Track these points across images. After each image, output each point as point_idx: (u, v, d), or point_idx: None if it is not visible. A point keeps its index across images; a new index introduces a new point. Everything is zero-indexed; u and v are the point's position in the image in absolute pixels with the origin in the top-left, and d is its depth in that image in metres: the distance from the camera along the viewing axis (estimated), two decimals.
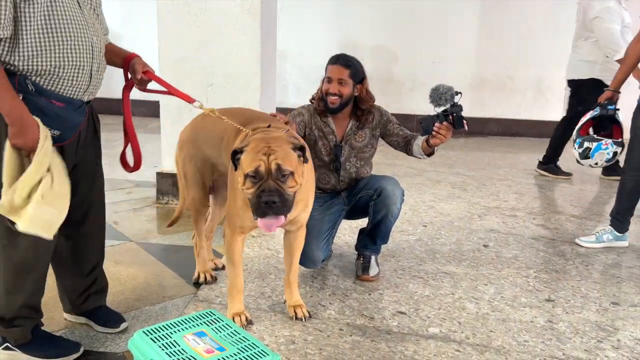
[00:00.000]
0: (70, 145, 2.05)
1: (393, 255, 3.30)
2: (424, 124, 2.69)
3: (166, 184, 4.12)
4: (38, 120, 1.82)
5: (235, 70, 3.89)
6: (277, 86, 4.53)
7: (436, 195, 4.69)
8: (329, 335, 2.35)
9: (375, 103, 2.97)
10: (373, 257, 2.99)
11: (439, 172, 5.47)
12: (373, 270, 2.93)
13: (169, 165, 4.10)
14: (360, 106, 2.91)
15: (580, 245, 3.51)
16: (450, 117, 2.58)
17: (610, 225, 3.55)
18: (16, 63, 1.81)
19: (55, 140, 1.92)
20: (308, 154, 2.22)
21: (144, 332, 1.74)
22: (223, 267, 2.94)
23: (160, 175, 4.12)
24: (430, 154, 2.83)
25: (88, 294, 2.35)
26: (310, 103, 2.99)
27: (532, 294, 2.85)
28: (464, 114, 2.60)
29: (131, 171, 2.39)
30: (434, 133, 2.63)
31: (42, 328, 2.17)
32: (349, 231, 3.61)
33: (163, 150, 4.11)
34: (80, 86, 1.99)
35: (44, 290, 2.12)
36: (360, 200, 2.91)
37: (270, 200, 1.98)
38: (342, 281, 2.91)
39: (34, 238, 1.84)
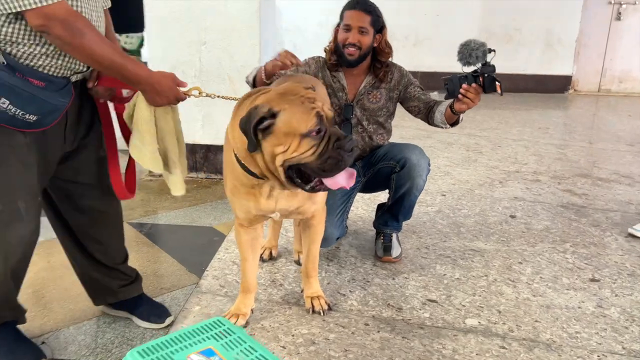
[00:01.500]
0: (55, 131, 1.67)
1: (414, 231, 2.98)
2: (449, 85, 2.31)
3: None
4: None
5: (232, 24, 3.47)
6: (275, 44, 4.11)
7: (450, 159, 4.36)
8: (354, 332, 2.05)
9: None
10: (394, 236, 2.67)
11: (450, 134, 5.13)
12: (395, 251, 2.62)
13: None
14: (379, 58, 2.54)
15: (636, 236, 2.94)
16: (480, 79, 2.22)
17: None
18: None
19: (31, 126, 1.57)
20: None
21: (138, 352, 1.42)
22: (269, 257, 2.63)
23: None
24: (454, 124, 2.46)
25: (120, 286, 2.09)
26: (321, 56, 2.61)
27: (573, 273, 2.55)
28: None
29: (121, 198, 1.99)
30: (460, 96, 2.26)
31: (18, 326, 1.88)
32: (362, 204, 3.28)
33: None
34: (69, 64, 1.60)
35: (17, 285, 1.82)
36: (380, 172, 2.56)
37: (355, 146, 1.68)
38: (360, 263, 2.59)
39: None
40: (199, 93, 1.91)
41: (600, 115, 6.40)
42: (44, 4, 1.40)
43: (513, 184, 3.80)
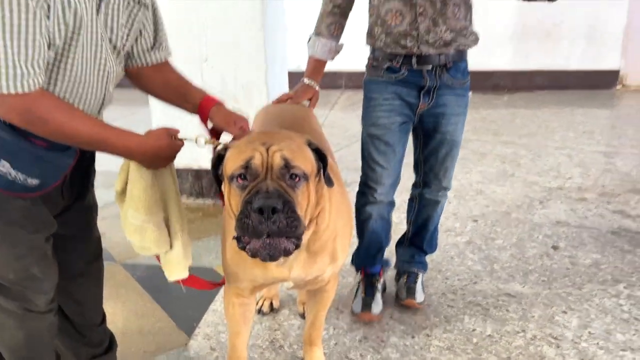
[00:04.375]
0: (53, 191, 1.43)
1: (439, 269, 2.61)
2: None
3: None
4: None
5: (235, 39, 3.16)
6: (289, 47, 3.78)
7: (484, 174, 3.94)
8: None
9: None
10: (421, 276, 2.32)
11: (484, 142, 4.69)
12: (420, 295, 2.27)
13: None
14: None
15: None
16: None
17: None
18: None
19: (31, 190, 1.33)
20: (333, 172, 1.51)
21: None
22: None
23: None
24: None
25: (90, 356, 1.80)
26: None
27: (629, 325, 2.14)
28: None
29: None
30: None
31: None
32: None
33: None
34: None
35: None
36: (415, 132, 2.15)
37: (266, 205, 1.24)
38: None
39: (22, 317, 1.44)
40: (205, 142, 1.55)
41: None
42: (4, 92, 1.15)
43: (555, 204, 3.37)
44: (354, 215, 1.99)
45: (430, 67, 1.96)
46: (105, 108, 1.44)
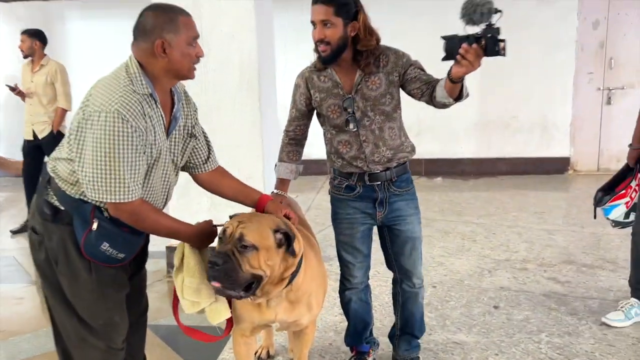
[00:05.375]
0: (128, 263, 2.09)
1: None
2: (448, 45, 2.07)
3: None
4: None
5: (237, 141, 3.94)
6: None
7: (446, 249, 4.66)
8: None
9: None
10: (420, 357, 2.79)
11: (449, 222, 5.44)
12: None
13: None
14: (359, 49, 2.32)
15: (609, 325, 3.14)
16: (483, 41, 1.99)
17: (633, 297, 3.22)
18: None
19: (118, 262, 1.98)
20: (298, 246, 2.04)
21: None
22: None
23: (170, 250, 4.15)
24: (458, 97, 2.20)
25: None
26: (307, 67, 2.52)
27: None
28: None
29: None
30: (458, 58, 2.01)
31: None
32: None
33: None
34: None
35: None
36: (384, 234, 2.59)
37: (212, 261, 1.88)
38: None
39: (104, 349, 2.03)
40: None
41: None
42: (116, 201, 1.83)
43: (502, 273, 4.07)
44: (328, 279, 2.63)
45: (379, 182, 2.45)
46: (167, 204, 2.16)
